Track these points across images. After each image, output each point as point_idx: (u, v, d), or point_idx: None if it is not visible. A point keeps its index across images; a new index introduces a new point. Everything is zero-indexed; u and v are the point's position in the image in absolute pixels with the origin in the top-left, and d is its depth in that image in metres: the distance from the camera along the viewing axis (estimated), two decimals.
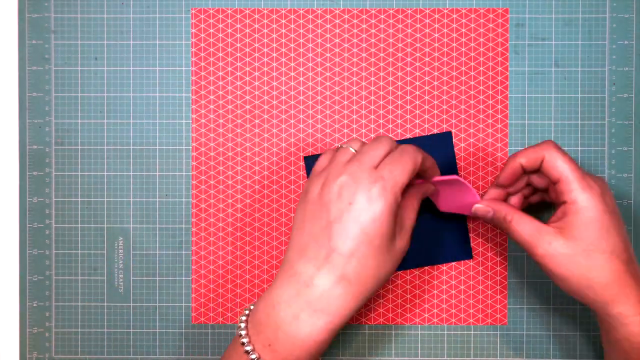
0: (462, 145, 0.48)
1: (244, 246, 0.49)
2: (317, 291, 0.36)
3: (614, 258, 0.37)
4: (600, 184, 0.38)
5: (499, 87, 0.48)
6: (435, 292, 0.49)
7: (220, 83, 0.49)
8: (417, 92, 0.48)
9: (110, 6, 0.49)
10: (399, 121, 0.48)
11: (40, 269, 0.49)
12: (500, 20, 0.48)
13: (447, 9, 0.48)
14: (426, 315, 0.49)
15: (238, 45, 0.49)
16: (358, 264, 0.36)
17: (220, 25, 0.49)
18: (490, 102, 0.48)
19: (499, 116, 0.48)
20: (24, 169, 0.49)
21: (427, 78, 0.48)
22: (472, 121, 0.48)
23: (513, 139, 0.48)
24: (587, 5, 0.48)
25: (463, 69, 0.48)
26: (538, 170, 0.40)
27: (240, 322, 0.38)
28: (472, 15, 0.48)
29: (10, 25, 0.49)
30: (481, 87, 0.48)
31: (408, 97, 0.48)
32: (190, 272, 0.49)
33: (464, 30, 0.48)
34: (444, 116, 0.48)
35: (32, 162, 0.49)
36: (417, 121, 0.48)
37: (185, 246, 0.49)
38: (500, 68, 0.48)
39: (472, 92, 0.48)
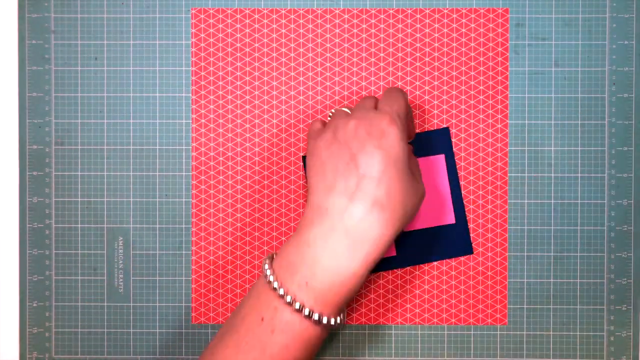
0: (462, 145, 0.48)
1: (244, 246, 0.49)
2: (353, 221, 0.36)
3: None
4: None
5: (499, 87, 0.48)
6: (435, 292, 0.49)
7: (220, 83, 0.49)
8: (417, 92, 0.48)
9: (110, 6, 0.49)
10: None
11: (40, 269, 0.49)
12: (500, 20, 0.48)
13: (447, 9, 0.48)
14: (426, 315, 0.49)
15: (238, 45, 0.49)
16: (387, 186, 0.36)
17: (220, 25, 0.49)
18: (490, 102, 0.48)
19: (499, 116, 0.48)
20: (24, 169, 0.49)
21: (427, 78, 0.48)
22: (472, 121, 0.48)
23: (513, 139, 0.48)
24: (587, 5, 0.48)
25: (463, 69, 0.48)
26: None
27: (266, 269, 0.37)
28: (472, 15, 0.48)
29: (10, 25, 0.49)
30: (481, 87, 0.48)
31: (408, 97, 0.48)
32: (190, 272, 0.49)
33: (464, 30, 0.48)
34: (444, 116, 0.48)
35: (32, 162, 0.49)
36: (417, 121, 0.48)
37: (185, 246, 0.49)
38: (500, 68, 0.48)
39: (472, 92, 0.48)
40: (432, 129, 0.48)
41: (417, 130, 0.48)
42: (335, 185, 0.37)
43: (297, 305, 0.35)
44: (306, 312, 0.35)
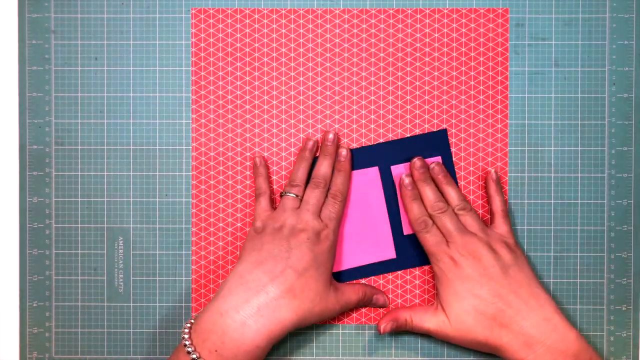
0: (462, 145, 0.48)
1: None
2: (266, 298, 0.41)
3: (480, 338, 0.43)
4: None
5: (499, 87, 0.48)
6: (435, 292, 0.49)
7: (220, 83, 0.49)
8: (417, 92, 0.48)
9: (110, 6, 0.49)
10: (399, 121, 0.48)
11: (40, 269, 0.49)
12: (500, 20, 0.48)
13: (447, 9, 0.48)
14: None
15: (238, 45, 0.49)
16: (306, 282, 0.42)
17: (220, 25, 0.49)
18: (490, 102, 0.48)
19: (499, 116, 0.48)
20: (24, 169, 0.49)
21: (427, 78, 0.48)
22: (472, 121, 0.48)
23: (513, 139, 0.48)
24: (587, 5, 0.48)
25: (463, 69, 0.48)
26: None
27: (184, 334, 0.41)
28: (472, 15, 0.48)
29: (10, 25, 0.49)
30: (481, 87, 0.48)
31: (408, 97, 0.48)
32: (190, 272, 0.49)
33: (464, 30, 0.48)
34: (444, 116, 0.48)
35: (32, 162, 0.49)
36: (417, 121, 0.48)
37: (185, 246, 0.49)
38: (500, 68, 0.48)
39: (472, 92, 0.48)
40: (433, 129, 0.48)
41: (419, 132, 0.48)
42: (264, 263, 0.42)
43: None
44: None
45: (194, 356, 0.40)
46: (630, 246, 0.49)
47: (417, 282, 0.49)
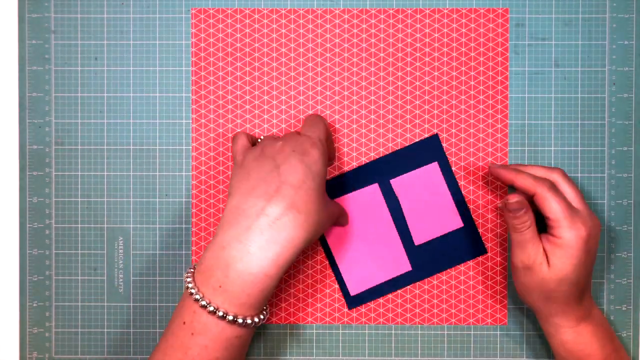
0: (462, 145, 0.48)
1: None
2: (268, 220, 0.38)
3: (573, 288, 0.42)
4: (590, 225, 0.42)
5: (499, 87, 0.48)
6: (435, 292, 0.49)
7: (220, 83, 0.49)
8: (417, 92, 0.48)
9: (110, 6, 0.49)
10: (399, 121, 0.48)
11: (40, 269, 0.49)
12: (500, 20, 0.48)
13: (447, 9, 0.48)
14: (426, 315, 0.49)
15: (238, 45, 0.49)
16: (305, 194, 0.38)
17: (220, 25, 0.49)
18: (490, 102, 0.48)
19: (499, 116, 0.48)
20: (24, 169, 0.49)
21: (427, 78, 0.48)
22: (472, 121, 0.48)
23: (513, 139, 0.48)
24: (587, 5, 0.48)
25: (463, 69, 0.48)
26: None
27: (187, 277, 0.39)
28: (472, 15, 0.48)
29: (10, 25, 0.49)
30: (481, 87, 0.48)
31: (408, 97, 0.48)
32: None
33: (464, 30, 0.48)
34: (444, 116, 0.48)
35: (32, 162, 0.49)
36: (417, 121, 0.48)
37: (185, 246, 0.49)
38: (500, 68, 0.48)
39: (472, 92, 0.48)
40: (432, 129, 0.48)
41: (419, 132, 0.48)
42: (256, 188, 0.39)
43: (211, 308, 0.37)
44: (220, 313, 0.37)
45: (197, 297, 0.37)
46: (630, 246, 0.48)
47: (417, 282, 0.49)
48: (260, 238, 0.37)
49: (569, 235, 0.41)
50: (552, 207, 0.42)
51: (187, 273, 0.39)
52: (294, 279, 0.49)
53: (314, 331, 0.49)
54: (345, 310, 0.49)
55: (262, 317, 0.39)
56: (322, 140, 0.42)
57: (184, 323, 0.38)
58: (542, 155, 0.48)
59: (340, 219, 0.46)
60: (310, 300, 0.49)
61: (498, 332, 0.49)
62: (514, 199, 0.42)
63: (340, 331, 0.49)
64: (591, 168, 0.48)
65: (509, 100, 0.48)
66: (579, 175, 0.48)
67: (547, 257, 0.42)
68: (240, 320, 0.37)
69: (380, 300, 0.49)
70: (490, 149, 0.48)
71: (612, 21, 0.48)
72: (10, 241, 0.49)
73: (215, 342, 0.37)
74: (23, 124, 0.49)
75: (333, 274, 0.49)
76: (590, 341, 0.43)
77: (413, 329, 0.49)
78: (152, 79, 0.49)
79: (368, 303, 0.49)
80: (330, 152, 0.45)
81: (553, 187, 0.42)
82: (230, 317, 0.37)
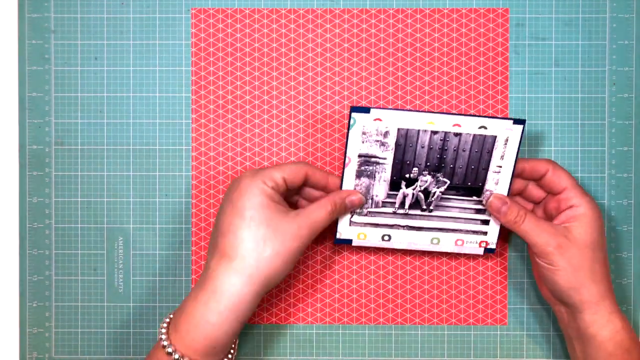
0: None
1: None
2: (208, 274, 0.39)
3: (602, 261, 0.42)
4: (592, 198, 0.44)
5: (499, 87, 0.48)
6: (435, 292, 0.49)
7: (220, 83, 0.49)
8: (417, 92, 0.48)
9: (110, 6, 0.49)
10: None
11: (40, 269, 0.49)
12: (500, 20, 0.48)
13: (447, 9, 0.48)
14: (426, 316, 0.49)
15: (238, 45, 0.49)
16: (234, 237, 0.39)
17: (220, 25, 0.49)
18: (491, 102, 0.48)
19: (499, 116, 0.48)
20: (24, 169, 0.49)
21: (427, 78, 0.48)
22: None
23: None
24: (587, 5, 0.48)
25: (463, 69, 0.48)
26: (534, 179, 0.45)
27: (165, 319, 0.41)
28: (472, 15, 0.48)
29: (10, 25, 0.49)
30: (481, 87, 0.48)
31: (408, 97, 0.48)
32: (190, 272, 0.49)
33: (464, 30, 0.48)
34: None
35: (32, 162, 0.49)
36: None
37: (185, 246, 0.49)
38: (500, 68, 0.48)
39: (472, 92, 0.48)
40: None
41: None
42: (210, 247, 0.41)
43: (164, 343, 0.39)
44: (168, 350, 0.38)
45: (163, 336, 0.39)
46: (630, 246, 0.48)
47: (417, 282, 0.49)
48: (203, 288, 0.39)
49: (584, 200, 0.42)
50: (566, 177, 0.43)
51: (169, 314, 0.41)
52: (294, 279, 0.49)
53: (314, 331, 0.49)
54: (345, 310, 0.49)
55: None
56: (263, 171, 0.40)
57: (149, 358, 0.40)
58: (542, 155, 0.48)
59: (349, 203, 0.43)
60: (310, 300, 0.49)
61: (498, 332, 0.49)
62: (489, 198, 0.44)
63: (340, 331, 0.49)
64: (591, 168, 0.48)
65: (509, 100, 0.48)
66: (579, 175, 0.48)
67: (568, 234, 0.42)
68: None
69: (381, 300, 0.49)
70: None
71: (612, 21, 0.48)
72: (10, 241, 0.49)
73: None
74: (23, 124, 0.49)
75: (333, 274, 0.49)
76: (628, 334, 0.42)
77: (413, 329, 0.49)
78: (152, 79, 0.49)
79: (368, 303, 0.49)
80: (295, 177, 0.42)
81: (558, 164, 0.44)
82: (176, 357, 0.38)
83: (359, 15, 0.49)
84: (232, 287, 0.38)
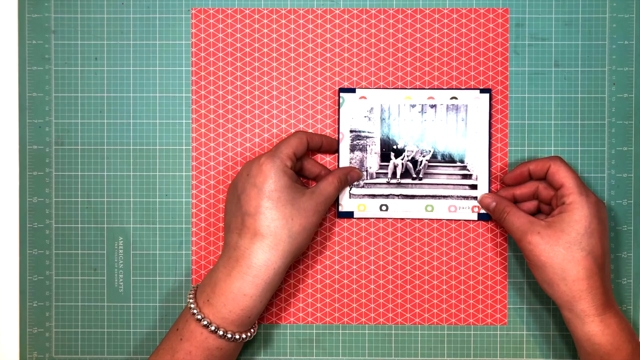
0: None
1: None
2: (240, 252, 0.42)
3: (590, 257, 0.41)
4: (598, 199, 0.43)
5: (499, 87, 0.48)
6: (435, 292, 0.49)
7: (220, 83, 0.49)
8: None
9: (110, 6, 0.49)
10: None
11: (40, 269, 0.49)
12: (500, 20, 0.48)
13: (447, 9, 0.48)
14: (426, 315, 0.49)
15: (238, 45, 0.49)
16: (264, 217, 0.42)
17: (220, 25, 0.49)
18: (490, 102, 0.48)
19: (499, 116, 0.48)
20: (24, 169, 0.49)
21: (427, 78, 0.48)
22: None
23: (513, 139, 0.48)
24: (587, 5, 0.48)
25: (463, 69, 0.48)
26: (542, 178, 0.45)
27: (190, 291, 0.44)
28: (472, 15, 0.48)
29: (10, 25, 0.49)
30: (481, 87, 0.48)
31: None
32: (190, 272, 0.49)
33: (464, 30, 0.48)
34: None
35: (32, 162, 0.49)
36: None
37: (185, 246, 0.49)
38: (500, 68, 0.48)
39: None
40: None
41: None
42: (230, 225, 0.44)
43: (199, 316, 0.41)
44: (204, 322, 0.41)
45: (191, 306, 0.42)
46: (630, 246, 0.49)
47: (417, 282, 0.49)
48: (238, 266, 0.42)
49: (580, 198, 0.42)
50: (566, 175, 0.43)
51: (191, 290, 0.44)
52: (294, 279, 0.49)
53: (314, 331, 0.49)
54: (345, 310, 0.49)
55: (244, 336, 0.42)
56: (285, 153, 0.44)
57: (177, 329, 0.42)
58: (542, 155, 0.48)
59: (349, 178, 0.47)
60: (310, 300, 0.49)
61: (498, 332, 0.49)
62: (480, 198, 0.47)
63: (340, 331, 0.49)
64: (591, 168, 0.48)
65: (509, 100, 0.48)
66: (579, 175, 0.48)
67: (541, 230, 0.42)
68: (221, 333, 0.41)
69: (381, 300, 0.49)
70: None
71: (612, 21, 0.48)
72: (10, 241, 0.49)
73: (198, 349, 0.41)
74: (23, 124, 0.49)
75: (333, 274, 0.49)
76: (617, 333, 0.41)
77: (413, 329, 0.49)
78: (152, 79, 0.49)
79: (368, 303, 0.49)
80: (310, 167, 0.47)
81: (564, 161, 0.44)
82: (213, 328, 0.41)
83: (359, 15, 0.49)
84: (267, 261, 0.42)
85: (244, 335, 0.42)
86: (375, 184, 0.48)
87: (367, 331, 0.49)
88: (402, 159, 0.48)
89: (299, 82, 0.49)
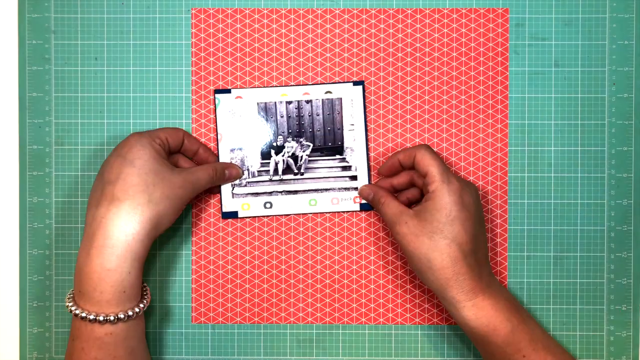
0: (463, 145, 0.48)
1: (244, 246, 0.49)
2: (97, 223, 0.40)
3: (453, 245, 0.41)
4: (464, 186, 0.43)
5: (499, 87, 0.48)
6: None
7: (220, 83, 0.49)
8: (417, 92, 0.48)
9: (110, 6, 0.49)
10: (399, 121, 0.49)
11: (40, 268, 0.49)
12: (500, 20, 0.48)
13: (447, 9, 0.48)
14: (426, 315, 0.49)
15: (238, 45, 0.49)
16: (124, 183, 0.41)
17: (220, 25, 0.49)
18: (490, 102, 0.48)
19: (499, 116, 0.48)
20: (24, 169, 0.49)
21: (427, 78, 0.48)
22: (472, 121, 0.48)
23: (513, 139, 0.48)
24: (587, 5, 0.48)
25: (463, 69, 0.48)
26: (413, 167, 0.45)
27: (67, 297, 0.42)
28: (472, 15, 0.48)
29: (10, 25, 0.49)
30: (481, 87, 0.48)
31: (408, 97, 0.48)
32: (190, 272, 0.49)
33: (464, 30, 0.48)
34: (444, 116, 0.48)
35: (32, 162, 0.49)
36: (417, 121, 0.48)
37: (185, 246, 0.49)
38: (500, 68, 0.48)
39: (472, 92, 0.48)
40: (432, 129, 0.48)
41: (419, 132, 0.48)
42: (90, 202, 0.42)
43: (76, 311, 0.40)
44: (82, 315, 0.40)
45: (69, 303, 0.41)
46: (630, 246, 0.49)
47: (417, 282, 0.49)
48: (95, 239, 0.40)
49: (441, 186, 0.42)
50: (430, 162, 0.43)
51: (68, 295, 0.42)
52: (294, 279, 0.49)
53: (314, 331, 0.49)
54: (345, 310, 0.49)
55: (130, 313, 0.40)
56: (150, 131, 0.44)
57: (70, 333, 0.41)
58: (542, 155, 0.48)
59: (227, 174, 0.47)
60: (310, 300, 0.49)
61: None
62: (359, 189, 0.48)
63: (340, 331, 0.49)
64: (591, 168, 0.48)
65: (509, 100, 0.48)
66: (579, 175, 0.48)
67: (409, 220, 0.43)
68: (101, 318, 0.39)
69: (381, 300, 0.49)
70: (490, 149, 0.48)
71: (612, 21, 0.48)
72: (10, 241, 0.49)
73: (88, 342, 0.40)
74: (23, 124, 0.49)
75: (333, 274, 0.49)
76: (492, 314, 0.41)
77: (413, 329, 0.49)
78: (152, 79, 0.49)
79: (368, 303, 0.49)
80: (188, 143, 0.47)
81: (430, 149, 0.44)
82: (91, 317, 0.39)
83: (359, 15, 0.49)
84: (125, 227, 0.40)
85: (130, 312, 0.40)
86: (257, 182, 0.48)
87: (367, 331, 0.49)
88: (283, 156, 0.48)
89: (298, 82, 0.49)
